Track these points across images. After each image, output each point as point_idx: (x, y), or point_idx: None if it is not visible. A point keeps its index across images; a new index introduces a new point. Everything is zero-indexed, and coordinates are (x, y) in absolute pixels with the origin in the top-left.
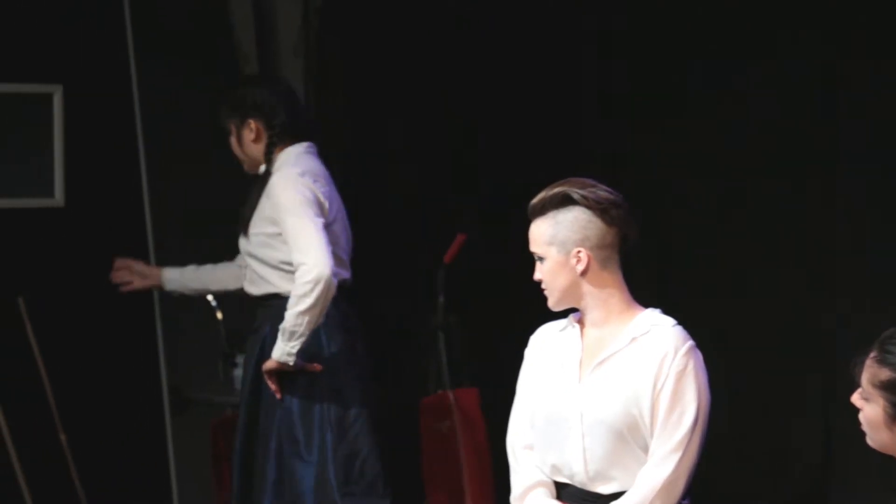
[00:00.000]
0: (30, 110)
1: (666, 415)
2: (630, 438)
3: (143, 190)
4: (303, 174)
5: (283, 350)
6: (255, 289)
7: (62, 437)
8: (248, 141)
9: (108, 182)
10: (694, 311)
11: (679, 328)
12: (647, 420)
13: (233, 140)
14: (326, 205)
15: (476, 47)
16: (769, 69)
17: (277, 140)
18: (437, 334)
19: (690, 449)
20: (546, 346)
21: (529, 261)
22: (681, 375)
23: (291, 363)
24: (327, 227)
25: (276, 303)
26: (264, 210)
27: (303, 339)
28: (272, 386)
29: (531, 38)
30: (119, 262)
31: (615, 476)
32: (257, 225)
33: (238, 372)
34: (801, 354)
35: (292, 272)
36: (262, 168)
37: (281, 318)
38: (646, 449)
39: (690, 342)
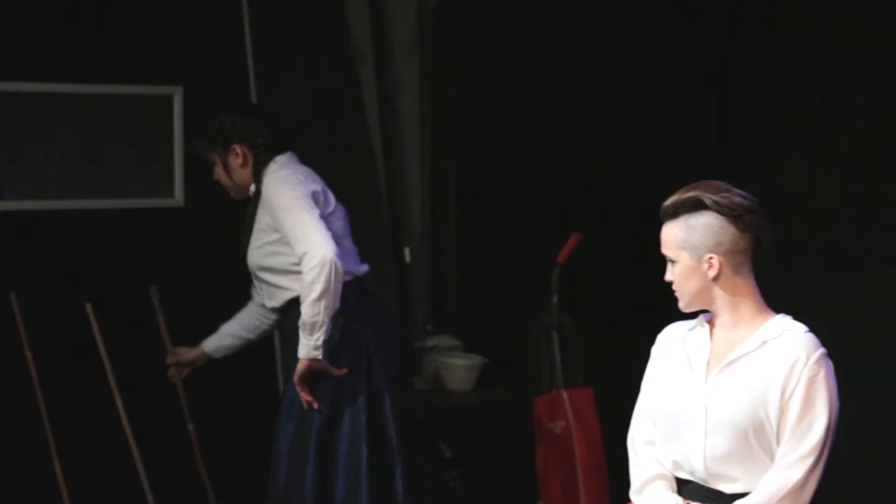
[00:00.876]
0: (150, 111)
1: (797, 420)
2: (753, 439)
3: None
4: (288, 175)
5: (309, 345)
6: (275, 301)
7: (190, 427)
8: (236, 167)
9: None
10: (820, 317)
11: (811, 335)
12: (773, 423)
13: (218, 171)
14: (321, 199)
15: (591, 46)
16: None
17: (262, 159)
18: (551, 334)
19: (820, 457)
20: (674, 344)
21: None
22: (812, 382)
23: (320, 356)
24: (325, 218)
25: (298, 308)
26: (262, 222)
27: (324, 329)
28: (306, 397)
29: (648, 35)
30: (169, 361)
31: (735, 476)
32: (260, 238)
33: None
34: None
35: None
36: (252, 188)
37: None
38: (768, 452)
39: (822, 349)
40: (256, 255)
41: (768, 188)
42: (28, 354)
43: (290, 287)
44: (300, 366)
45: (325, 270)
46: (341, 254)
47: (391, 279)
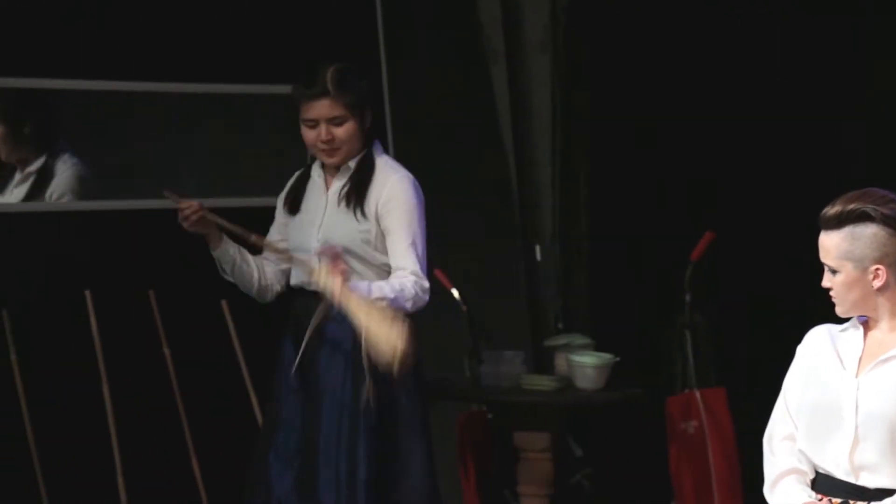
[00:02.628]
0: (286, 110)
1: None
2: None
3: None
4: (415, 185)
5: (370, 294)
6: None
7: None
8: (363, 131)
9: None
10: None
11: None
12: None
13: (349, 129)
14: None
15: (724, 44)
16: None
17: (372, 133)
18: (684, 333)
19: None
20: (823, 343)
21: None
22: None
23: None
24: None
25: None
26: (370, 207)
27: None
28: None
29: (780, 34)
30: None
31: (880, 470)
32: (357, 221)
33: (484, 368)
34: None
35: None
36: (353, 159)
37: None
38: None
39: None
40: (345, 233)
41: None
42: (166, 351)
43: (370, 278)
44: (344, 289)
45: (419, 307)
46: None
47: (522, 277)
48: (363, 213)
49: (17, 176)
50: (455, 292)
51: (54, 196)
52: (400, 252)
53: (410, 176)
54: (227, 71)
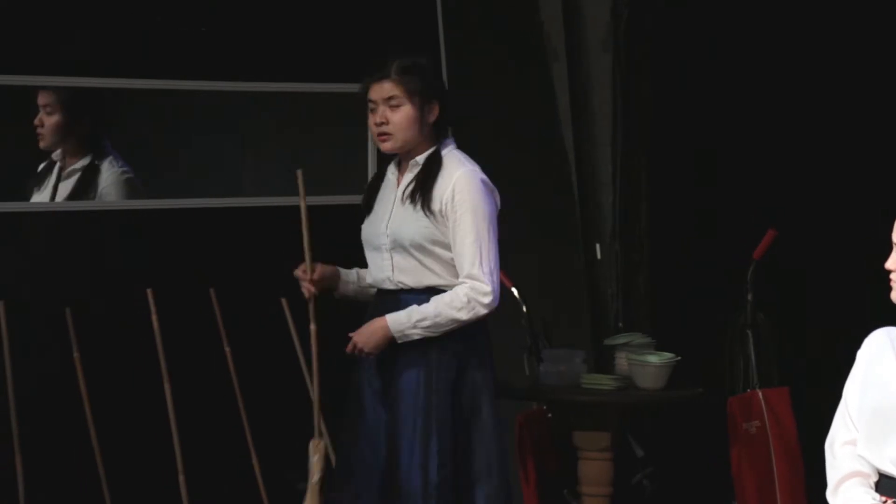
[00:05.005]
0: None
1: None
2: None
3: None
4: (486, 185)
5: (405, 328)
6: (410, 279)
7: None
8: (426, 122)
9: None
10: None
11: None
12: None
13: (404, 114)
14: None
15: (790, 40)
16: None
17: (444, 130)
18: (746, 332)
19: None
20: (883, 347)
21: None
22: None
23: (398, 342)
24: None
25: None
26: (436, 202)
27: (425, 336)
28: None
29: (849, 32)
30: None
31: None
32: (424, 216)
33: (544, 367)
34: None
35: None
36: (421, 155)
37: None
38: None
39: None
40: (413, 230)
41: None
42: (227, 349)
43: (440, 273)
44: (381, 332)
45: (482, 314)
46: None
47: (582, 275)
48: (430, 210)
49: (56, 171)
50: (515, 291)
51: (101, 196)
52: (460, 252)
53: (478, 171)
54: (287, 70)
